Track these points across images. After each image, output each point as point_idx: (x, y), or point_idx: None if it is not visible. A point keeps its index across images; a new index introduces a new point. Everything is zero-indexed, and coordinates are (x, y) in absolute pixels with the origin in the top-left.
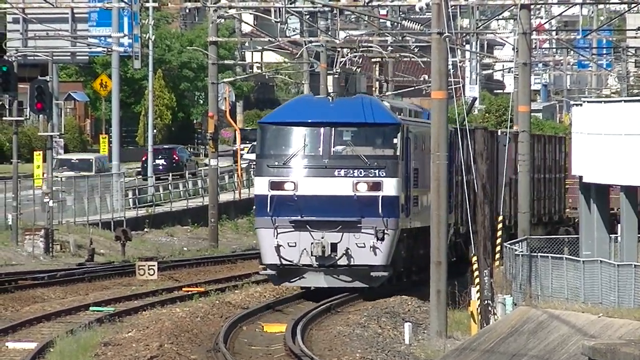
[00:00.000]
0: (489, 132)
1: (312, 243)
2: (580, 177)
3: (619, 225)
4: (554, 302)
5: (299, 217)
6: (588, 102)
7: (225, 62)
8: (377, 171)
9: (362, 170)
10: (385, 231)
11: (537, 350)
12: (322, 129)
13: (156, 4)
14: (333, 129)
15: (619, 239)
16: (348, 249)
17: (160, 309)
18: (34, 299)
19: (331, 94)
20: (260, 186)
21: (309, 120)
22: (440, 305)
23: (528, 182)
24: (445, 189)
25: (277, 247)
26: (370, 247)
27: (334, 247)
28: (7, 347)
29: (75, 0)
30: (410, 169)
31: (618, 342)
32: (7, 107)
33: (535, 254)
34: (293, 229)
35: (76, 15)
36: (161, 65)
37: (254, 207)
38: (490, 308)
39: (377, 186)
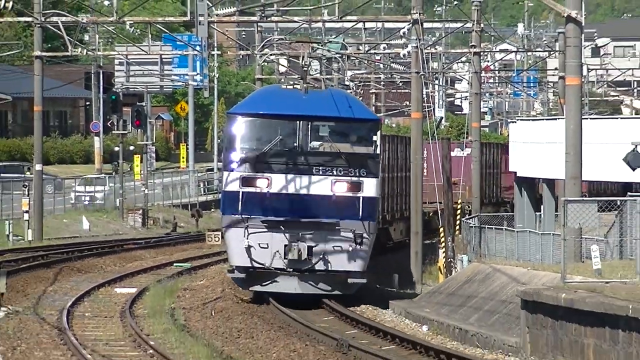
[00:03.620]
0: (394, 137)
1: (285, 245)
2: (515, 173)
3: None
4: (496, 260)
5: (272, 217)
6: (520, 120)
7: None
8: (357, 170)
9: (341, 168)
10: (364, 235)
11: (485, 293)
12: (299, 123)
13: (219, 52)
14: (310, 123)
15: (542, 215)
16: (325, 252)
17: (222, 265)
18: (134, 258)
19: (304, 85)
20: (230, 182)
21: (285, 113)
22: (417, 262)
23: (479, 176)
24: (420, 181)
25: (248, 248)
26: (348, 251)
27: (309, 250)
28: (115, 291)
29: (163, 49)
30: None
31: (541, 287)
32: (115, 124)
33: (484, 226)
34: (265, 230)
35: (163, 59)
36: (223, 94)
37: (222, 204)
38: (452, 264)
39: (357, 186)
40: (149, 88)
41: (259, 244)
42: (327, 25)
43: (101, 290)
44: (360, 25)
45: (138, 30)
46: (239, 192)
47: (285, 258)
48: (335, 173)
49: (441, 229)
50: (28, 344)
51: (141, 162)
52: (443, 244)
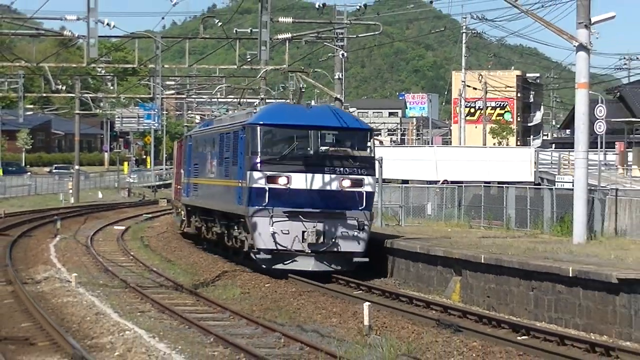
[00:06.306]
0: None
1: (303, 231)
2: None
3: None
4: None
5: (292, 208)
6: None
7: None
8: (359, 170)
9: (346, 168)
10: (365, 222)
11: None
12: (311, 131)
13: (166, 112)
14: (319, 131)
15: None
16: (335, 237)
17: (168, 216)
18: (123, 212)
19: (306, 102)
20: (257, 180)
21: (300, 124)
22: None
23: None
24: None
25: (273, 234)
26: (353, 236)
27: (323, 235)
28: (114, 228)
29: (139, 110)
30: None
31: None
32: (115, 147)
33: None
34: (287, 218)
35: (139, 115)
36: (167, 133)
37: (247, 198)
38: None
39: (359, 183)
40: (131, 130)
41: (281, 230)
42: (219, 100)
43: (107, 227)
44: (236, 100)
45: (127, 100)
46: (264, 187)
47: (303, 242)
48: (342, 172)
49: None
50: (71, 253)
51: (128, 165)
52: None
